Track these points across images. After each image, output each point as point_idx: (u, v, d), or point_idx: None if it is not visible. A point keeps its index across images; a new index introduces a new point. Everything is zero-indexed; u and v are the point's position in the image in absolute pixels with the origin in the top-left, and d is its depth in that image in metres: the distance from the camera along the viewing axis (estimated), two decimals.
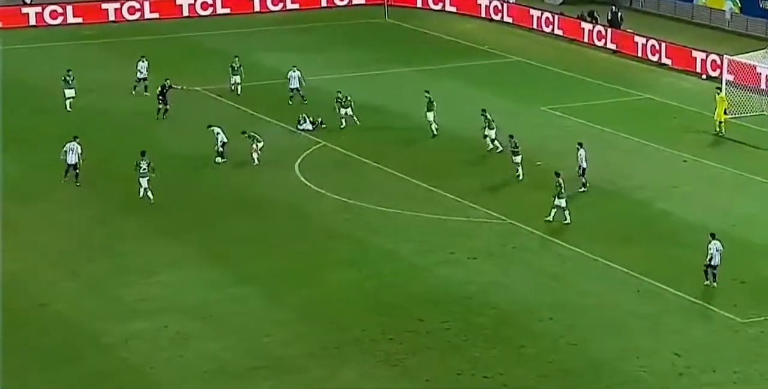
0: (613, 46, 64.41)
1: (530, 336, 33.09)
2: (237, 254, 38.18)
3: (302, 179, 44.82)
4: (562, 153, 47.16)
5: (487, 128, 46.96)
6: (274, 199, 42.86)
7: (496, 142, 46.79)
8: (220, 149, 45.78)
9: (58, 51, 63.17)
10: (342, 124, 49.88)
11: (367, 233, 39.81)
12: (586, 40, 65.83)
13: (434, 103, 49.24)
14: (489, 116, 47.11)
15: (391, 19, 71.48)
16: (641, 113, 53.73)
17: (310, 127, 50.02)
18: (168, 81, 51.33)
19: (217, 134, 45.92)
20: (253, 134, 46.11)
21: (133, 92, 54.22)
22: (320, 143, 48.81)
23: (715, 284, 35.52)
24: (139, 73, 54.37)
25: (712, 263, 35.47)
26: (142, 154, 42.39)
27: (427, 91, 49.82)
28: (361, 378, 30.83)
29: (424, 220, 40.95)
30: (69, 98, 51.40)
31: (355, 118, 50.06)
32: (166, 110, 50.95)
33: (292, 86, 52.80)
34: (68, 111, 51.06)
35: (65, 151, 43.17)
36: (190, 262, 37.48)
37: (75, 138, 43.61)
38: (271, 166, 46.10)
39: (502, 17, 70.67)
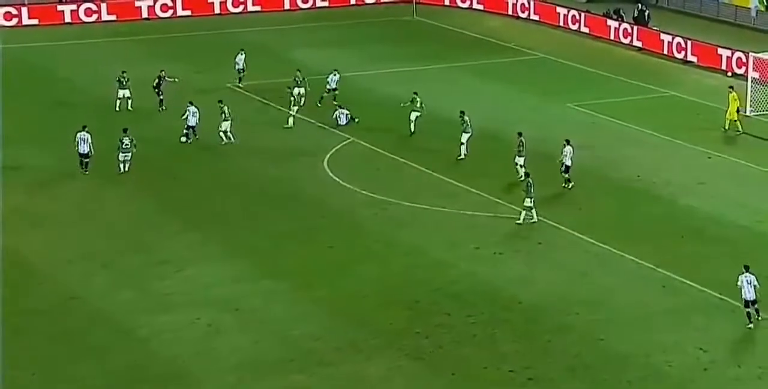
0: (638, 44, 63.99)
1: (556, 331, 32.83)
2: (265, 248, 38.05)
3: (331, 174, 44.65)
4: (588, 149, 46.89)
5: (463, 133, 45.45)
6: (302, 194, 42.73)
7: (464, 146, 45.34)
8: (185, 130, 46.35)
9: (94, 48, 63.24)
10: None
11: (394, 229, 39.62)
12: (612, 37, 65.44)
13: (420, 104, 48.37)
14: (466, 118, 45.62)
15: (419, 16, 71.24)
16: (666, 110, 53.34)
17: (344, 121, 49.79)
18: (163, 72, 51.68)
19: (194, 113, 46.41)
20: (226, 108, 46.68)
21: (240, 84, 55.13)
22: (349, 138, 48.63)
23: (759, 317, 32.37)
24: (236, 65, 55.42)
25: (747, 298, 32.24)
26: (125, 131, 43.32)
27: (415, 93, 48.85)
28: (388, 372, 30.66)
29: (450, 215, 40.73)
30: (120, 98, 51.10)
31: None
32: (162, 101, 51.21)
33: (330, 87, 52.12)
34: (117, 111, 50.86)
35: (77, 141, 43.24)
36: (218, 256, 37.37)
37: (84, 128, 43.65)
38: (300, 161, 45.98)
39: (529, 15, 70.33)
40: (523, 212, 39.63)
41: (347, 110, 50.05)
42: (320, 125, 50.13)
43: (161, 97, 51.24)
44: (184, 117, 46.95)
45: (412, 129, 48.67)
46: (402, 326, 32.90)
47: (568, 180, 43.05)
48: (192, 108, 47.09)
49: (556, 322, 33.35)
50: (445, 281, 35.73)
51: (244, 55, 55.66)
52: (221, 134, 46.98)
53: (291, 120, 49.37)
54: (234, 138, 47.03)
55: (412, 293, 34.98)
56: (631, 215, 41.07)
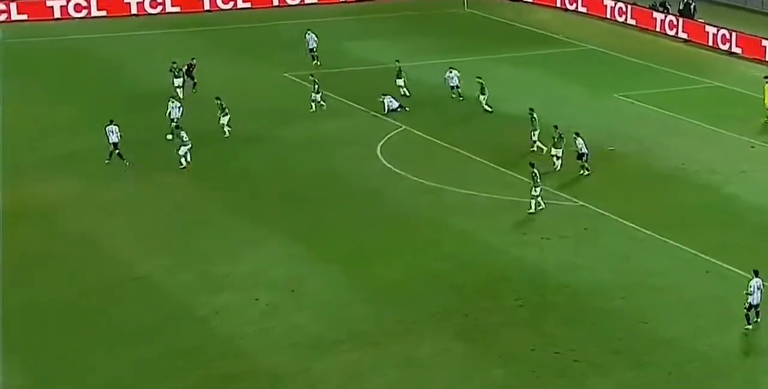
0: (684, 36, 63.29)
1: (601, 315, 32.51)
2: (320, 232, 37.94)
3: (384, 161, 44.48)
4: (634, 138, 46.49)
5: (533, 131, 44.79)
6: (356, 180, 42.60)
7: (538, 143, 44.63)
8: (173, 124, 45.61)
9: (158, 39, 63.41)
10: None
11: (445, 214, 39.40)
12: (658, 29, 64.78)
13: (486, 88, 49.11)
14: (535, 116, 45.04)
15: (469, 9, 70.87)
16: (711, 101, 52.70)
17: (395, 106, 49.53)
18: (194, 60, 52.18)
19: (179, 107, 45.91)
20: (223, 104, 46.19)
21: (316, 63, 56.22)
22: (401, 127, 48.43)
23: (758, 319, 31.31)
24: (308, 44, 56.74)
25: (753, 302, 31.12)
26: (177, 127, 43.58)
27: (479, 77, 49.50)
28: (438, 353, 30.49)
29: (499, 202, 40.43)
30: (177, 87, 51.38)
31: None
32: (195, 84, 51.60)
33: (452, 84, 50.97)
34: (182, 99, 51.02)
35: (107, 134, 43.32)
36: (275, 240, 37.32)
37: (111, 121, 43.63)
38: (354, 149, 45.86)
39: (577, 7, 69.80)
40: (533, 201, 39.12)
41: (393, 97, 49.82)
42: (374, 113, 49.96)
43: (193, 80, 51.72)
44: (167, 113, 46.04)
45: (489, 109, 49.01)
46: (451, 308, 32.71)
47: (586, 168, 42.40)
48: (176, 103, 46.40)
49: (601, 306, 33.02)
50: (494, 266, 35.48)
51: (313, 34, 56.59)
52: (224, 128, 46.27)
53: (314, 106, 49.28)
54: (229, 131, 46.31)
55: (461, 277, 34.77)
56: (675, 203, 40.58)
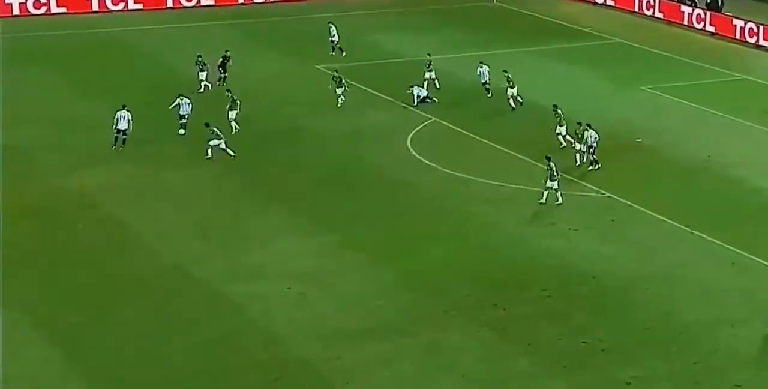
0: (711, 29, 62.85)
1: (628, 305, 32.36)
2: (349, 223, 37.89)
3: (413, 152, 44.42)
4: (660, 130, 46.23)
5: (557, 126, 44.32)
6: (386, 171, 42.55)
7: (567, 137, 44.09)
8: (182, 121, 45.17)
9: (192, 32, 63.60)
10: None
11: (473, 205, 39.30)
12: (685, 22, 64.37)
13: (513, 81, 48.71)
14: (561, 112, 44.54)
15: (498, 2, 70.65)
16: (738, 94, 52.34)
17: (424, 92, 49.36)
18: (228, 53, 51.89)
19: (188, 103, 45.27)
20: (234, 97, 45.67)
21: (340, 54, 56.57)
22: (430, 118, 48.34)
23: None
24: (331, 37, 56.91)
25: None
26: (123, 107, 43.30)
27: (506, 71, 49.11)
28: (466, 342, 30.43)
29: (526, 193, 40.28)
30: (201, 80, 51.42)
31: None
32: (225, 78, 51.20)
33: (483, 80, 50.46)
34: (200, 92, 50.96)
35: (116, 119, 43.41)
36: (305, 230, 37.30)
37: (124, 107, 43.71)
38: (384, 140, 45.82)
39: (605, 1, 69.48)
40: (545, 192, 38.82)
41: (421, 86, 49.68)
42: (404, 105, 49.88)
43: (224, 75, 51.31)
44: (172, 107, 45.52)
45: (514, 105, 48.67)
46: (479, 298, 32.64)
47: (596, 161, 41.98)
48: (185, 100, 45.45)
49: (628, 296, 32.87)
50: (521, 256, 35.38)
51: (334, 26, 56.76)
52: (231, 123, 45.57)
53: (339, 101, 48.75)
54: (236, 127, 45.82)
55: (489, 266, 34.69)
56: (701, 194, 40.35)
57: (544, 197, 38.86)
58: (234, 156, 42.92)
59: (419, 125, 47.52)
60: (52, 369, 29.09)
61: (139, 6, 68.33)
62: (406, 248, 35.98)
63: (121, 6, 68.06)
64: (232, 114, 45.80)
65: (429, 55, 52.42)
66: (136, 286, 33.45)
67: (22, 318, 31.17)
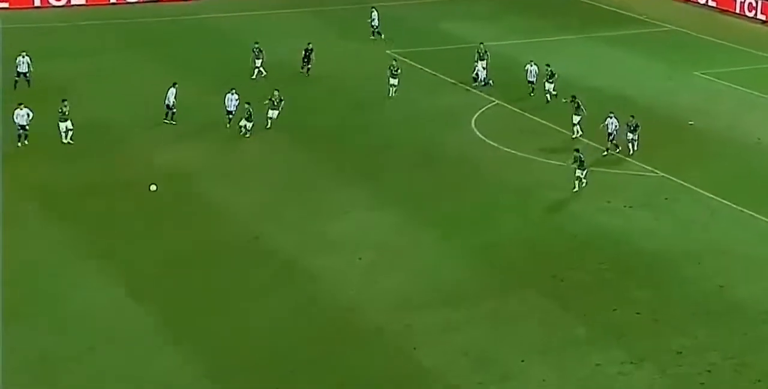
0: (762, 17, 62.29)
1: (680, 279, 32.58)
2: (417, 199, 38.31)
3: (477, 133, 44.74)
4: (712, 114, 46.12)
5: (574, 115, 43.81)
6: (452, 150, 42.90)
7: (577, 127, 43.71)
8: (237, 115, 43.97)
9: (276, 18, 63.63)
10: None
11: (534, 184, 39.58)
12: (737, 11, 63.85)
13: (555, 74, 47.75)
14: (581, 102, 43.91)
15: None
16: None
17: (483, 72, 49.57)
18: (310, 45, 51.66)
19: (236, 99, 44.12)
20: (281, 97, 44.57)
21: (373, 37, 57.18)
22: (494, 101, 48.58)
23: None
24: (372, 21, 57.88)
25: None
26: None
27: (548, 65, 48.14)
28: (526, 309, 30.87)
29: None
30: (256, 67, 50.89)
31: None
32: (309, 68, 51.22)
33: (530, 79, 48.83)
34: (252, 78, 50.93)
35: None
36: (375, 206, 37.71)
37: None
38: (450, 121, 46.15)
39: None
40: (577, 182, 38.61)
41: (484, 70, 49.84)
42: (468, 88, 50.12)
43: (308, 65, 51.17)
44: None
45: (548, 99, 48.03)
46: (539, 270, 33.01)
47: (616, 146, 41.64)
48: (234, 96, 44.23)
49: (680, 271, 33.07)
50: (579, 231, 35.66)
51: (376, 12, 57.49)
52: (269, 120, 44.64)
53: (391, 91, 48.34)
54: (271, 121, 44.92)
55: (548, 241, 35.02)
56: (750, 175, 40.32)
57: (577, 185, 38.74)
58: (248, 136, 43.03)
59: (483, 107, 47.78)
60: (147, 323, 29.97)
61: None
62: (470, 223, 36.38)
63: None
64: (273, 113, 44.25)
65: (481, 44, 51.57)
66: (222, 253, 34.07)
67: (123, 276, 32.04)
